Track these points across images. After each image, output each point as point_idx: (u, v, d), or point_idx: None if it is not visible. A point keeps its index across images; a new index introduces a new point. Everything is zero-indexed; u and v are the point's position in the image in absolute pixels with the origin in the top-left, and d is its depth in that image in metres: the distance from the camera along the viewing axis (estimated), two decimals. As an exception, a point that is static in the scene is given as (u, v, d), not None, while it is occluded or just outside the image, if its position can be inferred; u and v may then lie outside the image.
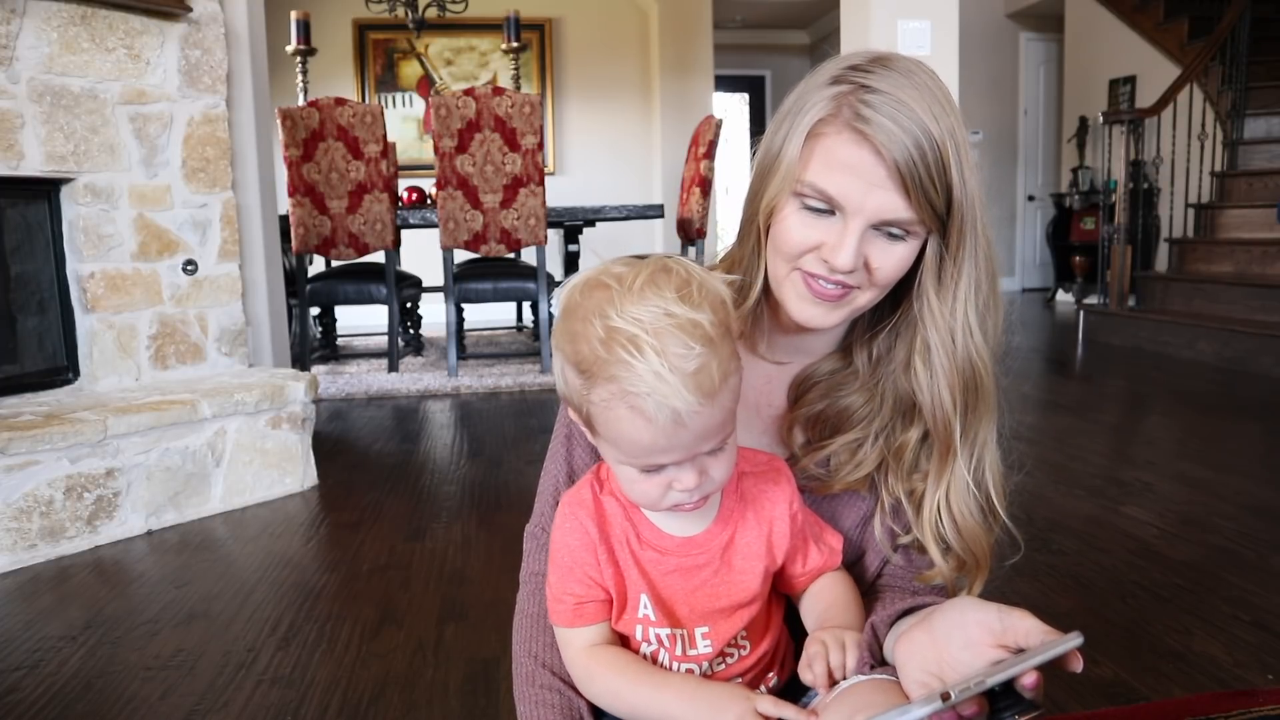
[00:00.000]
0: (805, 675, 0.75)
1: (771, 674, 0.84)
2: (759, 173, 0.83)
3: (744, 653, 0.82)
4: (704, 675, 0.80)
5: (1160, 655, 1.48)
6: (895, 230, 0.77)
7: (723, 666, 0.81)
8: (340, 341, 5.50)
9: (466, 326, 5.46)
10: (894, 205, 0.75)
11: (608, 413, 0.69)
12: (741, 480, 0.81)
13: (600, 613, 0.79)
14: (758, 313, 0.90)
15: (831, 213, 0.77)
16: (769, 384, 0.94)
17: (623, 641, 0.81)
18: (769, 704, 0.69)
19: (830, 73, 0.78)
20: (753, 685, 0.82)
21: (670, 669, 0.80)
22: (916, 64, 0.77)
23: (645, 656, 0.80)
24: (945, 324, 0.82)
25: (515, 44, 5.37)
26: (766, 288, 0.87)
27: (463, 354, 4.87)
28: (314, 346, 4.87)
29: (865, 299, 0.82)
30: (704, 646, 0.79)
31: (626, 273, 0.70)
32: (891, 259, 0.78)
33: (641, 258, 0.74)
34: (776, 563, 0.81)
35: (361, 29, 6.84)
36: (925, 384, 0.83)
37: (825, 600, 0.83)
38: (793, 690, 0.83)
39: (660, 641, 0.79)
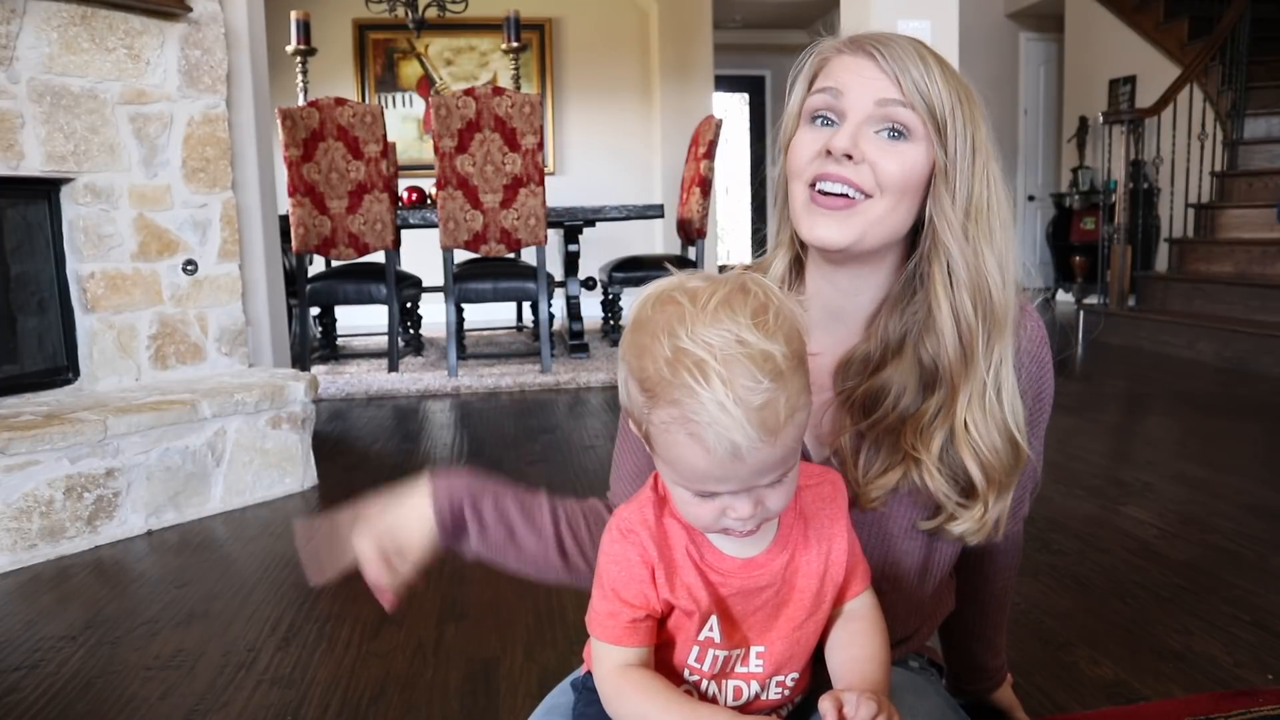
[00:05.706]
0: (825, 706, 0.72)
1: (797, 697, 0.84)
2: (781, 143, 0.92)
3: (795, 677, 0.81)
4: (751, 699, 0.79)
5: (1160, 655, 1.48)
6: (895, 127, 0.84)
7: (771, 691, 0.80)
8: (340, 341, 5.49)
9: (466, 326, 5.46)
10: (886, 87, 0.84)
11: (666, 435, 0.68)
12: (801, 495, 0.79)
13: (650, 634, 0.77)
14: (791, 283, 0.96)
15: (835, 123, 0.86)
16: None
17: (666, 670, 0.79)
18: None
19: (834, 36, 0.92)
20: (779, 707, 0.82)
21: (719, 689, 0.78)
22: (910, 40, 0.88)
23: (688, 686, 0.79)
24: (957, 246, 0.86)
25: (515, 44, 5.37)
26: (798, 262, 0.95)
27: (463, 354, 4.87)
28: (314, 346, 4.87)
29: (876, 210, 0.85)
30: (756, 665, 0.79)
31: (702, 289, 0.68)
32: (893, 157, 0.84)
33: (724, 269, 0.75)
34: (836, 581, 0.80)
35: (361, 29, 6.84)
36: (944, 297, 0.86)
37: (852, 652, 0.80)
38: (799, 714, 0.84)
39: (716, 663, 0.78)
